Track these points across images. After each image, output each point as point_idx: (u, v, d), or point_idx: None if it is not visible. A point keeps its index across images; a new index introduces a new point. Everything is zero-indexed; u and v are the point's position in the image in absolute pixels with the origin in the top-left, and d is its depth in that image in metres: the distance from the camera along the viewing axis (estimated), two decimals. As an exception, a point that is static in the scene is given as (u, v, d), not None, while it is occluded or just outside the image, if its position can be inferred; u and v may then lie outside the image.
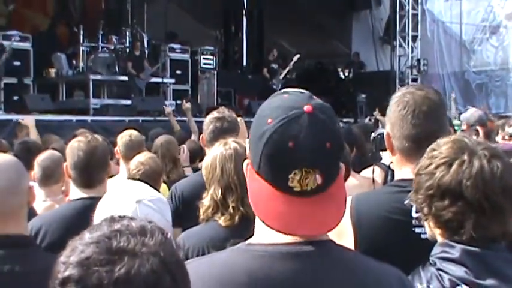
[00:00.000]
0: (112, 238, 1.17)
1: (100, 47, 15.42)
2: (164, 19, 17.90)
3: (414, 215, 2.08)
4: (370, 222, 2.23)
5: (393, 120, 2.34)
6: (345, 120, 13.62)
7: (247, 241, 1.60)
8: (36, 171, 4.40)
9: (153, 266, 1.16)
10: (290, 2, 19.48)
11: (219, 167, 2.99)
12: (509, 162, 1.78)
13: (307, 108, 1.49)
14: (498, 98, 20.45)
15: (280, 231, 1.50)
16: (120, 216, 1.24)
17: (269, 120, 1.49)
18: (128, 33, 16.04)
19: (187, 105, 10.01)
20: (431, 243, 1.86)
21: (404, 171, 2.33)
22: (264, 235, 1.56)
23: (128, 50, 15.85)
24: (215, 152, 3.05)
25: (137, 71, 15.12)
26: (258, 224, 1.58)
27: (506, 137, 5.84)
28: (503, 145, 5.29)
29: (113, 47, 15.62)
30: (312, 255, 1.51)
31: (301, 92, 1.58)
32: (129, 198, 2.05)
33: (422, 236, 2.11)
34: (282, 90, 1.63)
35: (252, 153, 1.55)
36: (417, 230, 2.17)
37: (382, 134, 2.56)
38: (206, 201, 3.00)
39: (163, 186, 4.75)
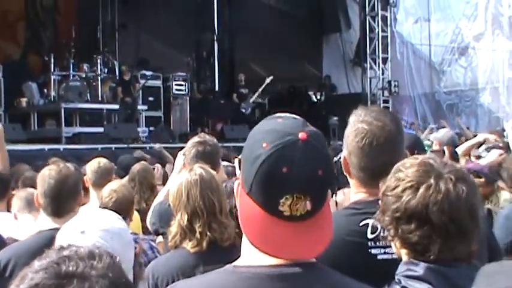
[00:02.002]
0: (61, 263, 1.19)
1: (71, 75, 15.36)
2: (135, 46, 17.94)
3: (370, 236, 2.12)
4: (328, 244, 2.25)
5: (350, 149, 2.37)
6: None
7: (234, 263, 1.62)
8: (17, 203, 4.34)
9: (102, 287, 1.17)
10: (260, 26, 19.60)
11: (184, 193, 3.00)
12: (474, 185, 1.81)
13: (302, 135, 1.53)
14: (468, 118, 20.72)
15: (267, 254, 1.53)
16: (68, 244, 1.27)
17: (264, 144, 1.53)
18: (99, 61, 16.00)
19: (157, 148, 10.09)
20: (387, 263, 1.89)
21: (359, 194, 2.38)
22: (251, 257, 1.57)
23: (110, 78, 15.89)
24: (181, 179, 3.06)
25: (126, 96, 15.22)
26: (245, 245, 1.60)
27: (473, 158, 5.92)
28: (475, 165, 5.36)
29: (84, 75, 15.58)
30: (299, 277, 1.53)
31: (295, 118, 1.62)
32: (74, 229, 2.06)
33: (379, 257, 2.18)
34: (276, 115, 1.66)
35: (244, 175, 1.57)
36: (373, 251, 2.21)
37: None
38: (173, 228, 3.01)
39: (135, 214, 4.73)
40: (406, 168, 1.80)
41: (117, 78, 15.88)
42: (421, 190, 1.72)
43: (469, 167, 5.25)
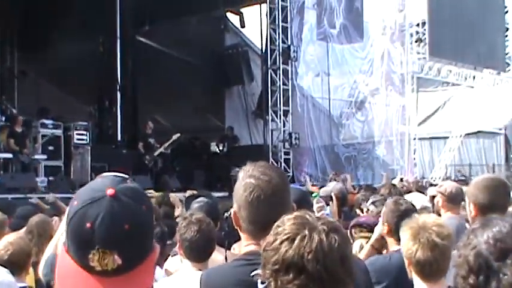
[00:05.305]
0: None
1: (-33, 123, 14.91)
2: (35, 94, 17.63)
3: (260, 286, 2.23)
4: None
5: (239, 203, 2.48)
6: (220, 194, 13.77)
7: None
8: None
9: None
10: (164, 77, 19.73)
11: None
12: (346, 235, 1.95)
13: (110, 191, 1.56)
14: (366, 170, 21.38)
15: None
16: None
17: (75, 203, 1.58)
18: (-4, 110, 15.64)
19: (51, 198, 9.88)
20: None
21: (250, 245, 2.47)
22: None
23: (7, 126, 15.41)
24: None
25: (20, 147, 14.79)
26: None
27: (365, 210, 6.12)
28: (367, 219, 5.50)
29: (-20, 123, 15.14)
30: None
31: (116, 176, 1.65)
32: None
33: None
34: (102, 174, 1.69)
35: (65, 232, 1.61)
36: None
37: None
38: None
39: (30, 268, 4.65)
40: (284, 223, 1.90)
41: (9, 129, 15.38)
42: (297, 241, 1.82)
43: (361, 221, 5.40)
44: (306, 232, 1.83)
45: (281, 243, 1.84)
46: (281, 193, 2.49)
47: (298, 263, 1.80)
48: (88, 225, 1.52)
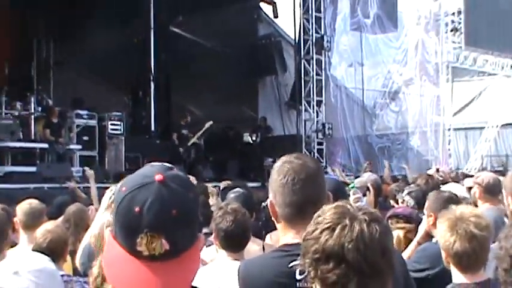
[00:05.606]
0: None
1: (3, 113, 15.10)
2: (71, 85, 17.78)
3: (298, 277, 2.22)
4: (257, 286, 2.34)
5: (275, 189, 2.49)
6: (253, 184, 13.78)
7: None
8: None
9: None
10: (197, 67, 19.78)
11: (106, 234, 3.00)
12: (387, 226, 1.92)
13: (158, 177, 1.57)
14: (399, 161, 21.20)
15: None
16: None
17: (123, 189, 1.59)
18: (33, 99, 15.81)
19: (90, 172, 9.94)
20: None
21: (287, 236, 2.47)
22: None
23: (44, 117, 15.63)
24: (103, 220, 3.07)
25: (56, 137, 15.01)
26: None
27: (400, 201, 6.05)
28: (404, 210, 5.45)
29: (17, 113, 15.34)
30: None
31: (162, 164, 1.66)
32: (6, 270, 2.07)
33: None
34: (151, 163, 1.71)
35: (112, 219, 1.63)
36: None
37: None
38: (95, 269, 2.98)
39: (68, 256, 4.70)
40: (324, 212, 1.89)
41: (45, 120, 15.60)
42: (337, 230, 1.80)
43: (398, 212, 5.36)
44: (347, 221, 1.81)
45: (321, 232, 1.82)
46: (315, 177, 2.50)
47: (338, 252, 1.78)
48: (136, 209, 1.54)
